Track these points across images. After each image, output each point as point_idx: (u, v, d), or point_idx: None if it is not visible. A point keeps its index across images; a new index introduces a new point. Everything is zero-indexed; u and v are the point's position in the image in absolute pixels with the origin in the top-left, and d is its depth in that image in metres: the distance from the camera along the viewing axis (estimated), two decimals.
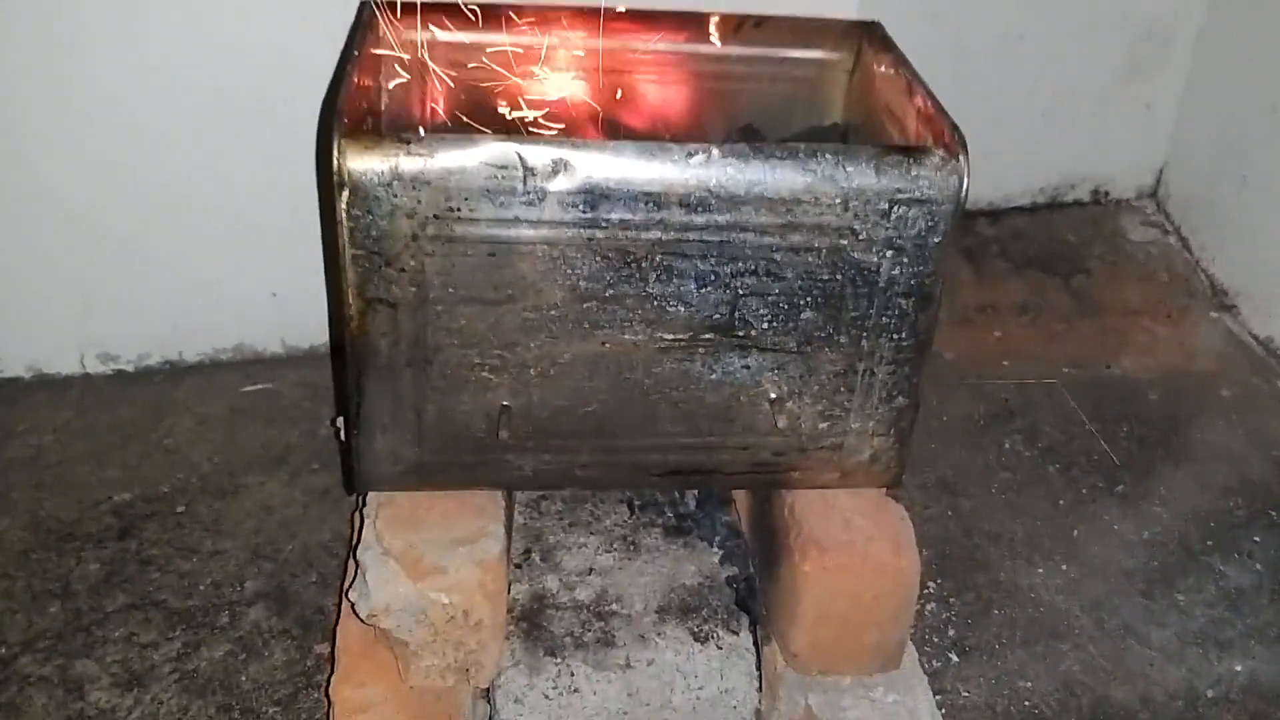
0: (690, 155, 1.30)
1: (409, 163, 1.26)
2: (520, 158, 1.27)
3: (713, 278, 1.36)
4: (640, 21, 1.68)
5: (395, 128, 1.52)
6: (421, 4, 1.60)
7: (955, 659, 1.97)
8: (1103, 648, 2.01)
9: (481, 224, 1.30)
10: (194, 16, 2.11)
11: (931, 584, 2.11)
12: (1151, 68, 2.98)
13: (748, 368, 1.43)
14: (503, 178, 1.27)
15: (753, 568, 1.74)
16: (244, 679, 1.88)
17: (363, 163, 1.26)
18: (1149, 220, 3.10)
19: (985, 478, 2.36)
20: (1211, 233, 2.95)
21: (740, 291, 1.37)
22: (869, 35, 1.69)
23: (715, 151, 1.30)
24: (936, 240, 1.36)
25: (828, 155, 1.32)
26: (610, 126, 1.68)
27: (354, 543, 1.53)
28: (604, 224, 1.31)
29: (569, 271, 1.34)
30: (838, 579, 1.52)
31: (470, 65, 1.67)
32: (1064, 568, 2.16)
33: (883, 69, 1.61)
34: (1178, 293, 2.89)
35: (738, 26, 1.69)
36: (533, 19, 1.65)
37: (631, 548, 1.78)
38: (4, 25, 2.05)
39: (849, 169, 1.32)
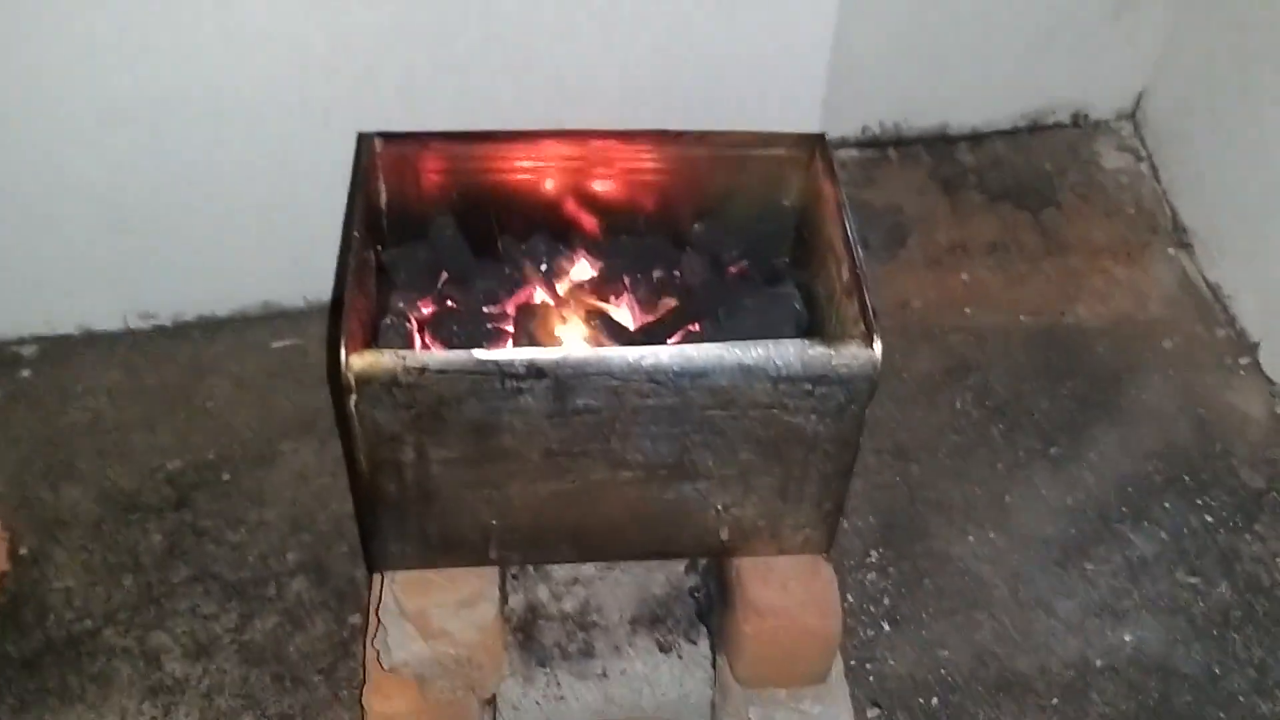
0: (643, 359, 1.53)
1: (405, 375, 1.50)
2: (498, 367, 1.51)
3: (664, 436, 1.62)
4: (616, 137, 1.85)
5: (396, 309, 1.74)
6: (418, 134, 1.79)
7: (887, 628, 2.26)
8: (1015, 618, 2.24)
9: (467, 413, 1.55)
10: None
11: (874, 553, 2.36)
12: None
13: (697, 491, 1.71)
14: (484, 383, 1.52)
15: (711, 585, 2.07)
16: (291, 649, 2.18)
17: (367, 374, 1.50)
18: (1124, 144, 3.21)
19: (935, 441, 2.55)
20: (1180, 165, 3.07)
21: (688, 445, 1.64)
22: (819, 144, 1.85)
23: (664, 354, 1.54)
24: (854, 407, 1.61)
25: (760, 350, 1.55)
26: (588, 220, 1.90)
27: (375, 600, 1.86)
28: (571, 409, 1.56)
29: (542, 440, 1.60)
30: (772, 637, 1.84)
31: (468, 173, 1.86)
32: (992, 536, 2.38)
33: (823, 203, 1.79)
34: (1141, 228, 3.03)
35: (702, 136, 1.86)
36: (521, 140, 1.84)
37: None
38: None
39: (779, 362, 1.55)
